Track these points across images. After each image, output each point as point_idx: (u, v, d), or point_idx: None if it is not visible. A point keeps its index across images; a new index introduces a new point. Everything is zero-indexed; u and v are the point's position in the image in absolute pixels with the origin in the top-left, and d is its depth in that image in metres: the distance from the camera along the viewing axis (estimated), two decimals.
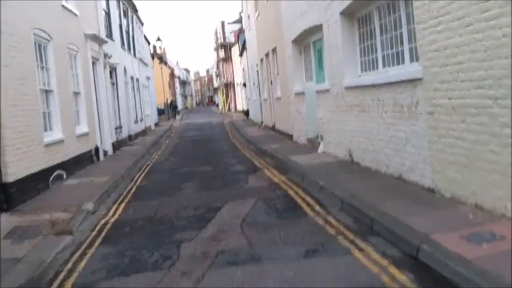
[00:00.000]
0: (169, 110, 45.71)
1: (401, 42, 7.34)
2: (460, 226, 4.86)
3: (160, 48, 49.56)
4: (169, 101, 48.71)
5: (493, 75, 4.73)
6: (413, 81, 6.56)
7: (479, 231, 4.59)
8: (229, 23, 53.15)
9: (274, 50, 17.36)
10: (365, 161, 8.80)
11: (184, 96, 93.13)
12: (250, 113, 31.81)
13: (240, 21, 41.42)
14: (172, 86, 64.13)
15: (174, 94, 64.56)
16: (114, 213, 7.80)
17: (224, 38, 54.36)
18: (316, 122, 11.91)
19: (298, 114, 13.88)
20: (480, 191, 5.24)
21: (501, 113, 4.70)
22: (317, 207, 6.89)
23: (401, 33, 7.33)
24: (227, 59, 53.08)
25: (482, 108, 4.99)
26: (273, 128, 19.35)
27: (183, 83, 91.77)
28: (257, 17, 21.55)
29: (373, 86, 8.06)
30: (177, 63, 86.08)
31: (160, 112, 40.38)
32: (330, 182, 7.94)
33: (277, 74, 17.20)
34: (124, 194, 9.34)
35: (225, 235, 5.87)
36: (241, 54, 36.50)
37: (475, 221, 4.94)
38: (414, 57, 6.87)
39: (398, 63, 7.55)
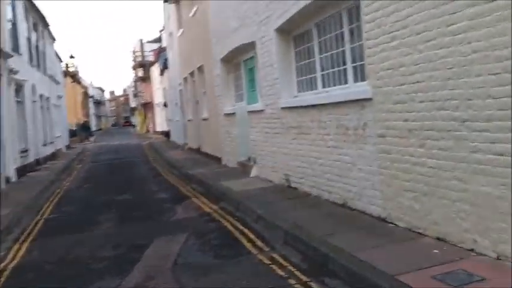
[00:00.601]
0: (82, 132, 43.02)
1: (344, 61, 6.90)
2: (427, 263, 4.31)
3: (73, 65, 46.74)
4: (82, 122, 45.95)
5: (460, 95, 4.29)
6: (360, 102, 6.09)
7: (452, 271, 4.06)
8: (148, 42, 51.56)
9: (200, 68, 16.56)
10: (304, 186, 8.22)
11: (99, 117, 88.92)
12: (171, 135, 30.56)
13: (160, 40, 40.21)
14: (85, 106, 60.85)
15: (87, 114, 61.30)
16: (15, 255, 6.51)
17: (143, 57, 52.61)
18: (249, 145, 11.22)
19: (228, 136, 13.13)
20: (443, 221, 4.77)
21: (470, 137, 4.25)
22: (258, 242, 6.11)
23: (343, 52, 6.89)
24: (146, 78, 51.36)
25: (446, 131, 4.54)
26: (198, 150, 18.40)
27: (98, 103, 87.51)
28: (181, 34, 20.68)
29: (313, 106, 7.54)
30: (91, 82, 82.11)
31: (72, 134, 37.68)
32: (268, 210, 7.22)
33: (204, 93, 16.37)
34: (29, 230, 7.98)
35: (155, 282, 4.88)
36: (162, 73, 35.25)
37: (442, 257, 4.42)
38: (359, 76, 6.43)
39: (340, 83, 7.09)
